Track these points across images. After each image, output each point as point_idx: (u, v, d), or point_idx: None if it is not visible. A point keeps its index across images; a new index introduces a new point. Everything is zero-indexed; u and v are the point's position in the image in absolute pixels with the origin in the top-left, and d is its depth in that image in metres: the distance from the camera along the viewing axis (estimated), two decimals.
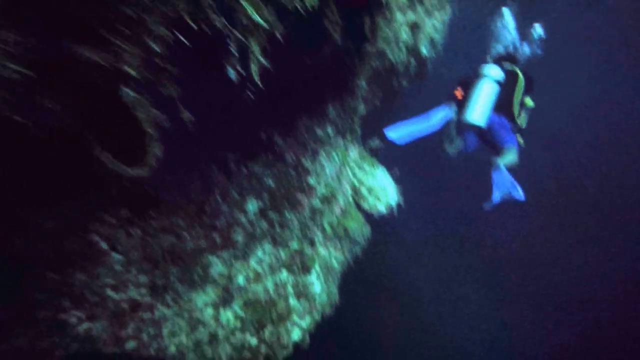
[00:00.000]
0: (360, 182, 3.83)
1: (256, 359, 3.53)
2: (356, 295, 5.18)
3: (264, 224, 3.07)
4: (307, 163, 3.31)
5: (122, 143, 1.77)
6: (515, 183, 4.16)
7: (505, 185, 4.33)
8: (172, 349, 3.19)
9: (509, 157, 4.32)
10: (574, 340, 9.50)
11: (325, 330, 3.66)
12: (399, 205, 4.07)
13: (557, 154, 12.78)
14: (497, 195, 4.45)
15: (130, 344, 2.95)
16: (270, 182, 3.04)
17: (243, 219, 2.94)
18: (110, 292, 2.50)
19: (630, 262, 10.57)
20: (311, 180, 3.32)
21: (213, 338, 3.29)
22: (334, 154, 3.68)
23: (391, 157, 4.30)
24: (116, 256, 2.39)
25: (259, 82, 1.93)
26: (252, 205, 2.96)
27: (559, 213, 11.41)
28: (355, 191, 3.79)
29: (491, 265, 9.57)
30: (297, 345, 3.70)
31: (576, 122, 13.15)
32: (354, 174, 3.83)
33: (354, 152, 4.00)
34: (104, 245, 2.30)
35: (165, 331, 3.08)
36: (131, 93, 1.60)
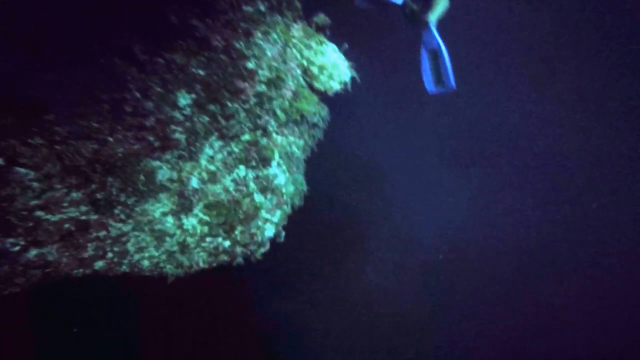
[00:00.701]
0: (310, 61, 3.48)
1: (234, 260, 3.51)
2: (324, 180, 5.14)
3: (205, 118, 2.77)
4: (241, 46, 2.91)
5: None
6: (443, 47, 3.86)
7: (432, 45, 4.04)
8: (146, 263, 3.10)
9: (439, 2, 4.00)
10: (547, 227, 9.78)
11: (298, 221, 3.63)
12: (355, 82, 3.79)
13: None
14: (425, 62, 4.15)
15: (99, 264, 2.83)
16: (199, 71, 2.67)
17: (178, 115, 2.63)
18: (42, 214, 2.28)
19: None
20: (250, 64, 2.95)
21: (184, 247, 3.19)
22: (272, 33, 3.26)
23: (340, 33, 3.88)
24: (25, 171, 2.11)
25: None
26: (184, 99, 2.63)
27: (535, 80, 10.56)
28: (305, 71, 3.45)
29: (464, 148, 9.43)
30: (273, 241, 3.68)
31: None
32: (301, 54, 3.45)
33: (297, 30, 3.56)
34: None
35: (131, 247, 2.95)
36: None
